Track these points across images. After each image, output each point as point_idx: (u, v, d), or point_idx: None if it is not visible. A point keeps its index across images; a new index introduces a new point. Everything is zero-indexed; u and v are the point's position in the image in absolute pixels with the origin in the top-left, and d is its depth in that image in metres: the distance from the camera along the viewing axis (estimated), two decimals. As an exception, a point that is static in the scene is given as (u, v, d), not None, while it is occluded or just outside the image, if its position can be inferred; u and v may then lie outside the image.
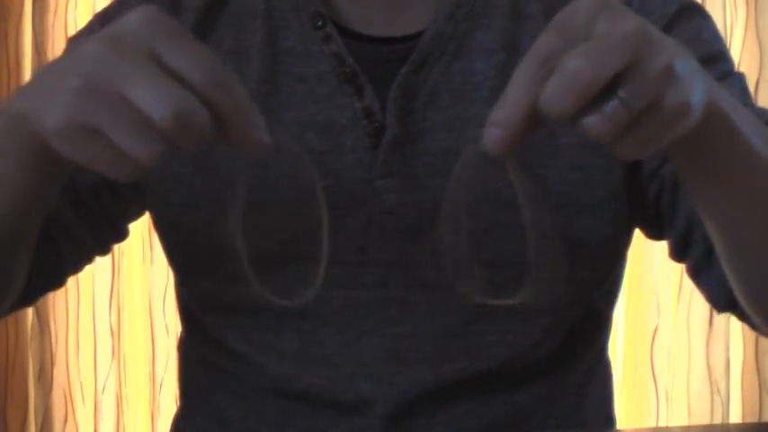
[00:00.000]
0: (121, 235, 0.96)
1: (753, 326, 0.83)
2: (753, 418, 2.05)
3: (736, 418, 2.05)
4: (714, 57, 0.87)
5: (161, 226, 0.89)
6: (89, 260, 0.93)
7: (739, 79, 0.88)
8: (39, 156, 0.65)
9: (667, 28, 0.87)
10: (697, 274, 0.86)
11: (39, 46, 2.12)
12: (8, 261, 0.77)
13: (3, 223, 0.71)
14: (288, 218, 0.83)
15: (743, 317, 0.83)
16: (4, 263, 0.77)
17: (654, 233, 0.90)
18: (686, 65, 0.58)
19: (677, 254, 0.88)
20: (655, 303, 2.01)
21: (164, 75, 0.56)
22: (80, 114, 0.57)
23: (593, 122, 0.56)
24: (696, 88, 0.59)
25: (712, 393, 2.04)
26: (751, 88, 2.07)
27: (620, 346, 2.06)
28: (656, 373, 2.06)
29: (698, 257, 0.85)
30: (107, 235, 0.93)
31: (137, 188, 0.90)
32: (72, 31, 2.11)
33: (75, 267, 0.92)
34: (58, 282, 0.90)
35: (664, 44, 0.57)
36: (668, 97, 0.56)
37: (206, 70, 0.57)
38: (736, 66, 0.91)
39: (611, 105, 0.56)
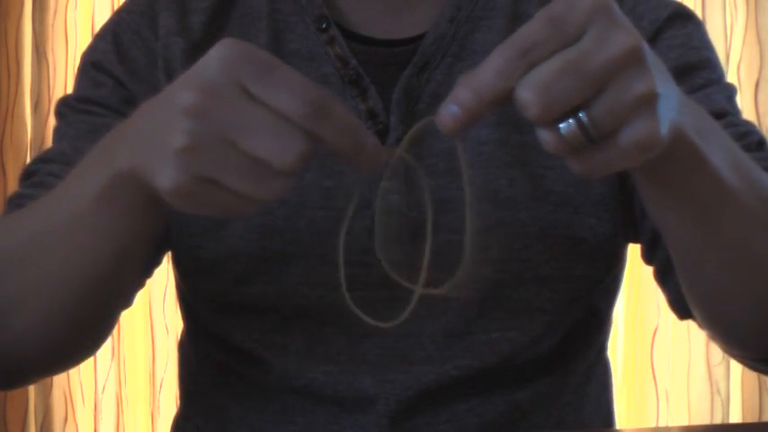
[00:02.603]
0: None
1: (711, 337, 0.84)
2: (753, 418, 2.05)
3: (736, 418, 2.05)
4: (701, 64, 0.87)
5: (172, 229, 0.89)
6: (150, 274, 0.93)
7: (725, 88, 0.87)
8: (152, 207, 0.65)
9: (657, 33, 0.87)
10: (661, 279, 0.87)
11: (39, 46, 2.12)
12: (115, 304, 0.78)
13: (112, 270, 0.72)
14: (293, 218, 0.84)
15: (703, 326, 0.84)
16: (112, 307, 0.78)
17: (631, 235, 0.90)
18: (666, 94, 0.57)
19: (646, 256, 0.88)
20: (655, 303, 2.01)
21: (271, 117, 0.55)
22: (195, 173, 0.56)
23: (547, 138, 0.55)
24: (667, 120, 0.57)
25: (712, 393, 2.04)
26: (751, 88, 2.09)
27: (620, 346, 2.06)
28: (656, 373, 2.06)
29: (663, 262, 0.85)
30: (163, 245, 0.92)
31: None
32: (72, 32, 2.11)
33: (141, 285, 0.92)
34: (129, 304, 0.90)
35: (650, 69, 0.55)
36: (634, 127, 0.55)
37: (303, 103, 0.55)
38: (725, 74, 0.91)
39: (569, 126, 0.54)
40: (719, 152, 0.65)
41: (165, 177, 0.57)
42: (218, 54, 0.56)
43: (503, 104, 0.55)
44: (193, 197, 0.57)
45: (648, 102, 0.55)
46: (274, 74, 0.56)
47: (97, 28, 2.10)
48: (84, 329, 0.78)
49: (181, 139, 0.56)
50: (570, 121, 0.54)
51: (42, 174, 0.86)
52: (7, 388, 0.85)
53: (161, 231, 0.74)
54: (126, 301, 0.81)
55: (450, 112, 0.56)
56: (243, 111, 0.55)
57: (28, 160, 2.13)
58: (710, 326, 0.80)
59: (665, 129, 0.56)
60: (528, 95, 0.53)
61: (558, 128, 0.55)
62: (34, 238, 0.73)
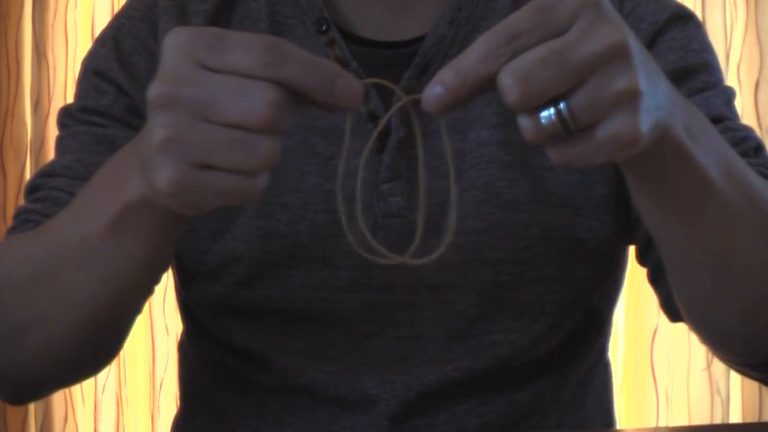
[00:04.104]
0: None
1: (700, 340, 0.83)
2: (753, 418, 2.05)
3: (736, 418, 2.05)
4: (700, 67, 0.87)
5: None
6: (159, 281, 0.94)
7: (723, 92, 0.87)
8: (165, 231, 0.66)
9: (657, 35, 0.87)
10: (654, 281, 0.87)
11: (39, 46, 2.12)
12: (127, 319, 0.79)
13: (125, 292, 0.73)
14: (294, 222, 0.84)
15: (692, 329, 0.83)
16: (125, 321, 0.79)
17: (627, 237, 0.90)
18: (652, 93, 0.57)
19: (640, 258, 0.88)
20: (655, 303, 1.98)
21: (232, 81, 0.55)
22: (183, 161, 0.56)
23: (526, 125, 0.56)
24: (650, 119, 0.57)
25: (712, 393, 2.04)
26: (751, 88, 2.08)
27: (620, 346, 2.06)
28: (656, 373, 2.06)
29: (656, 264, 0.85)
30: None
31: None
32: (72, 32, 2.11)
33: (152, 292, 0.92)
34: (140, 312, 0.91)
35: (634, 65, 0.56)
36: (612, 122, 0.55)
37: (258, 53, 0.55)
38: (725, 74, 0.90)
39: (548, 115, 0.55)
40: (710, 154, 0.66)
41: (159, 177, 0.57)
42: (170, 42, 0.57)
43: (489, 89, 0.56)
44: (192, 190, 0.57)
45: (630, 98, 0.55)
46: (225, 41, 0.56)
47: (97, 28, 2.10)
48: (98, 344, 0.78)
49: (159, 134, 0.56)
50: (550, 110, 0.55)
51: (47, 188, 0.86)
52: (25, 401, 0.85)
53: (174, 250, 0.74)
54: (138, 312, 0.81)
55: (434, 92, 0.56)
56: (205, 85, 0.55)
57: (28, 160, 2.14)
58: (698, 329, 0.80)
59: (646, 127, 0.57)
60: (508, 81, 0.54)
61: (538, 116, 0.55)
62: (45, 263, 0.73)
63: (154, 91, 0.56)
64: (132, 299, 0.75)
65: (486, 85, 0.56)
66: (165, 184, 0.57)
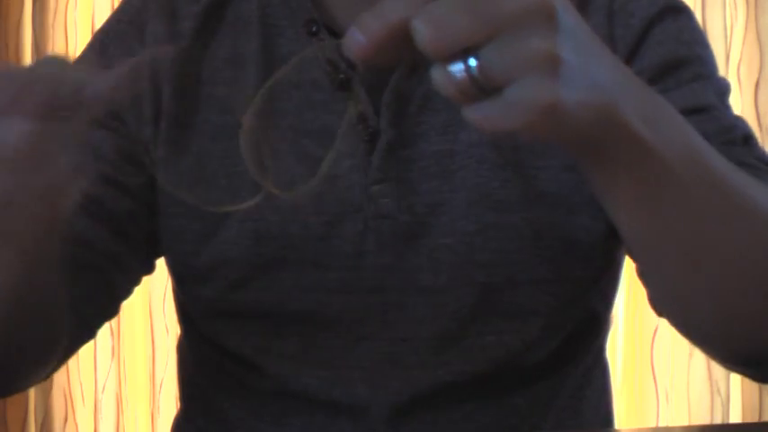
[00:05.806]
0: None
1: (684, 336, 0.81)
2: (753, 418, 2.05)
3: (736, 418, 2.05)
4: (689, 59, 0.86)
5: (165, 236, 0.89)
6: (138, 282, 0.93)
7: (715, 84, 0.86)
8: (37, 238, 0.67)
9: (649, 28, 0.86)
10: (642, 274, 0.86)
11: (39, 46, 2.12)
12: (42, 320, 0.78)
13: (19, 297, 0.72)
14: (285, 224, 0.84)
15: (672, 325, 0.82)
16: (48, 329, 0.79)
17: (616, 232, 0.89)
18: (583, 64, 0.54)
19: (629, 252, 0.88)
20: (655, 303, 2.01)
21: None
22: None
23: (436, 76, 0.53)
24: (579, 93, 0.54)
25: (712, 393, 2.04)
26: (751, 88, 2.08)
27: (620, 346, 2.06)
28: (656, 373, 2.06)
29: None
30: (152, 254, 0.92)
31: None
32: (72, 32, 2.11)
33: (127, 293, 0.92)
34: (113, 311, 0.90)
35: (557, 30, 0.53)
36: (525, 84, 0.52)
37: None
38: (726, 74, 0.90)
39: (458, 68, 0.52)
40: (673, 145, 0.63)
41: None
42: None
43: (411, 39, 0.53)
44: None
45: (547, 62, 0.52)
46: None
47: (97, 29, 2.10)
48: (20, 354, 0.78)
49: None
50: (460, 63, 0.52)
51: None
52: None
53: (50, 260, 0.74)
54: (60, 325, 0.81)
55: (353, 37, 0.54)
56: None
57: (27, 160, 2.14)
58: (678, 325, 0.78)
59: (571, 98, 0.54)
60: (419, 26, 0.52)
61: (449, 68, 0.53)
62: None
63: None
64: (25, 310, 0.74)
65: (407, 32, 0.53)
66: None
